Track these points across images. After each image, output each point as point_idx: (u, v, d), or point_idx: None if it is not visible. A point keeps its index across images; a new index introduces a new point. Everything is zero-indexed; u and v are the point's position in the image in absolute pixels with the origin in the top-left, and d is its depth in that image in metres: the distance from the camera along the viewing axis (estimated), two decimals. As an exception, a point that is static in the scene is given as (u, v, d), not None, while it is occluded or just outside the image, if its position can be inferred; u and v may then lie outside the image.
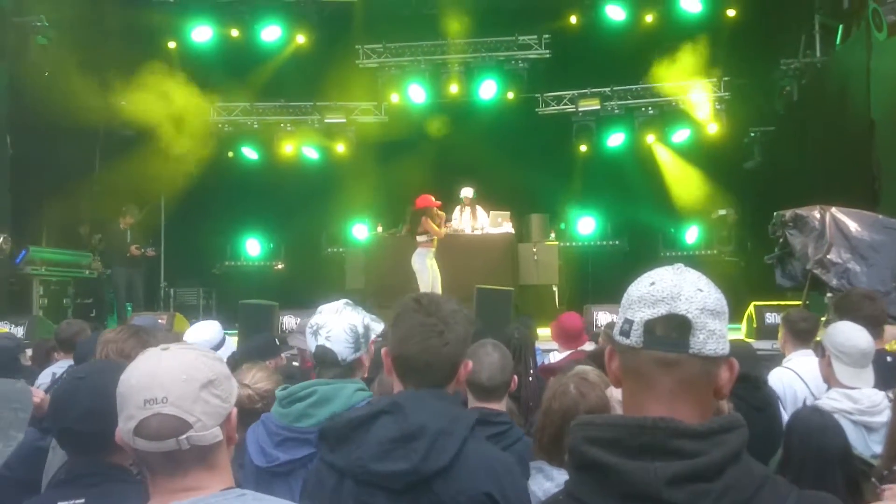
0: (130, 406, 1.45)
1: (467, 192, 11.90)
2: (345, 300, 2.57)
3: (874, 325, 3.78)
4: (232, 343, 4.07)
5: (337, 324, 2.45)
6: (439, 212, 10.59)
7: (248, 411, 2.93)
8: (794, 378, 3.92)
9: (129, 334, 3.15)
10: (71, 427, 2.01)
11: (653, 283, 1.31)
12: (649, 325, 1.28)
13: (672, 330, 1.26)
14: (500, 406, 2.85)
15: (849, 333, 3.36)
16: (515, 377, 3.05)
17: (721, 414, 1.30)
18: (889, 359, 3.82)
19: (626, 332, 1.31)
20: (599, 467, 1.22)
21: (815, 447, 2.63)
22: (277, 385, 2.99)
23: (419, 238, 10.32)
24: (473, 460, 1.87)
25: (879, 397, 3.22)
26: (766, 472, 1.25)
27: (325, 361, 2.45)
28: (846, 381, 3.28)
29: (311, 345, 2.48)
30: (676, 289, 1.28)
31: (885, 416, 3.15)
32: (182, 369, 1.46)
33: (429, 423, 1.85)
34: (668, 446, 1.20)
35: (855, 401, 3.20)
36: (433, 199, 10.44)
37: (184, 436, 1.42)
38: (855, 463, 2.68)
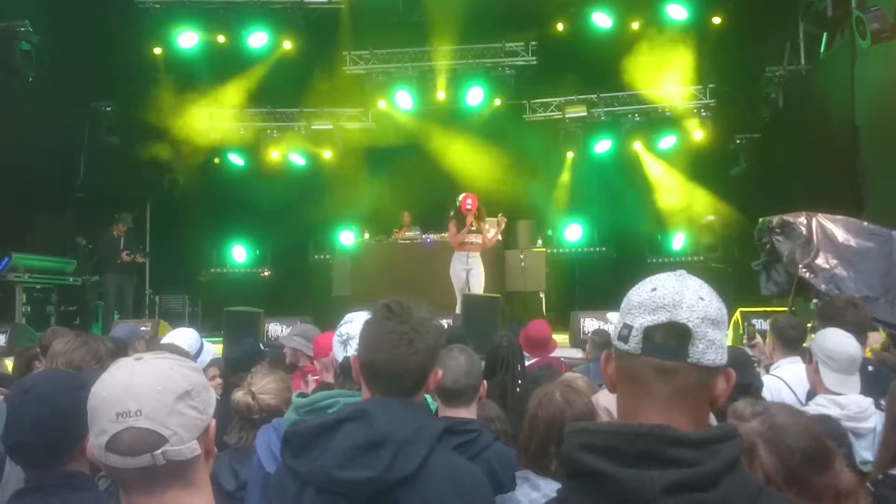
0: (102, 420, 1.37)
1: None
2: None
3: (858, 333, 3.77)
4: (212, 349, 4.02)
5: None
6: (474, 219, 9.83)
7: (246, 418, 2.89)
8: (782, 386, 3.91)
9: (77, 344, 3.10)
10: (21, 440, 1.99)
11: (654, 289, 1.29)
12: (649, 332, 1.26)
13: (671, 338, 1.25)
14: (469, 413, 2.79)
15: (837, 339, 3.36)
16: (485, 382, 3.00)
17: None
18: (870, 368, 3.81)
19: (624, 338, 1.29)
20: (593, 475, 1.20)
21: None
22: (285, 403, 2.95)
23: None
24: (439, 471, 1.84)
25: (867, 403, 3.21)
26: (761, 484, 1.24)
27: (352, 374, 2.41)
28: (833, 387, 3.27)
29: (339, 355, 2.43)
30: (678, 296, 1.27)
31: (872, 422, 3.15)
32: (156, 380, 1.39)
33: (394, 431, 1.83)
34: (665, 454, 1.18)
35: (842, 406, 3.19)
36: (470, 203, 9.85)
37: (159, 450, 1.36)
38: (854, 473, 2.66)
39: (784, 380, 3.94)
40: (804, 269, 7.12)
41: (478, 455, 2.59)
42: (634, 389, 1.29)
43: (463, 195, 10.00)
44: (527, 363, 5.44)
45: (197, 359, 3.84)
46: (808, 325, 7.10)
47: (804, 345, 4.16)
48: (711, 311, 1.27)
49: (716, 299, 1.30)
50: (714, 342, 1.26)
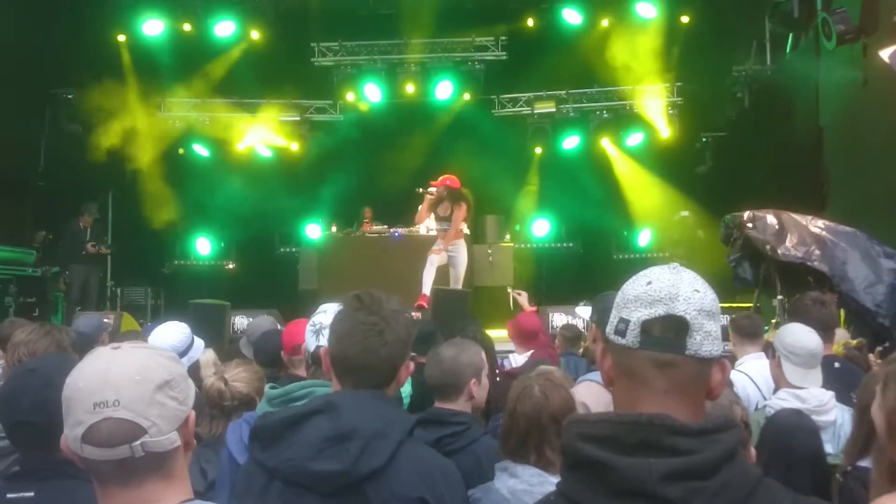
0: (78, 410, 1.34)
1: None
2: None
3: (825, 330, 3.83)
4: (202, 345, 3.90)
5: None
6: (447, 202, 9.19)
7: (217, 405, 2.85)
8: (747, 381, 3.96)
9: (40, 334, 3.04)
10: (24, 420, 1.95)
11: (649, 283, 1.30)
12: (646, 326, 1.27)
13: (669, 331, 1.26)
14: (461, 406, 2.81)
15: (798, 334, 3.41)
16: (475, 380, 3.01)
17: None
18: (837, 364, 3.87)
19: (621, 332, 1.30)
20: (593, 464, 1.21)
21: (784, 447, 2.65)
22: (257, 393, 2.92)
23: None
24: (409, 464, 1.83)
25: (827, 397, 3.26)
26: (760, 474, 1.25)
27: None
28: (795, 381, 3.32)
29: (311, 344, 2.41)
30: (674, 289, 1.28)
31: (832, 416, 3.21)
32: (135, 370, 1.36)
33: (363, 424, 1.80)
34: (664, 443, 1.19)
35: (803, 400, 3.24)
36: (438, 181, 9.20)
37: (138, 441, 1.32)
38: (825, 468, 2.70)
39: (748, 375, 3.99)
40: (783, 251, 7.28)
41: (465, 448, 2.61)
42: (632, 383, 1.30)
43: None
44: (521, 358, 5.43)
45: (186, 356, 3.72)
46: (773, 321, 7.26)
47: (768, 339, 4.22)
48: (707, 302, 1.29)
49: (710, 291, 1.32)
50: (710, 333, 1.27)
